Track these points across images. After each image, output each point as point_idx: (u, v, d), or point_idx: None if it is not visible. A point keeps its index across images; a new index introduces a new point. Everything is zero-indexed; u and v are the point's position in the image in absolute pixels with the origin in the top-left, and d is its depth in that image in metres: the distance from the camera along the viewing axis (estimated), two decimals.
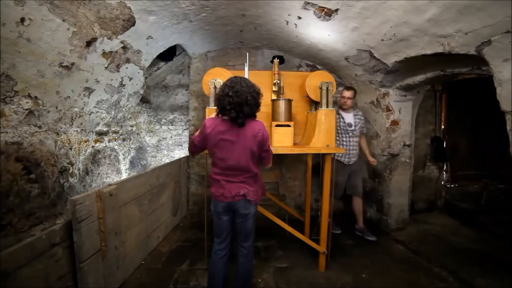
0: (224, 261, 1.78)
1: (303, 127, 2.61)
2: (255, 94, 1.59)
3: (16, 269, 1.34)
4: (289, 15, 2.49)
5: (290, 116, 2.39)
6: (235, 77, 1.64)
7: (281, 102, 2.38)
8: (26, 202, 1.83)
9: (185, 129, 4.11)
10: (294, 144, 2.39)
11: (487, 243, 2.80)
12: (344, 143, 2.90)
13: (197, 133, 1.73)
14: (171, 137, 4.02)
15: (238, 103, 1.53)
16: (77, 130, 2.36)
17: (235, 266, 1.79)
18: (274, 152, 2.26)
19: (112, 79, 2.53)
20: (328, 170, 2.25)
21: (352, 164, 2.94)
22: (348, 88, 2.93)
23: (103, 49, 2.19)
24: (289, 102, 2.39)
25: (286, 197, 3.56)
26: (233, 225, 1.78)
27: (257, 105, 1.61)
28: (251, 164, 1.64)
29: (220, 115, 1.62)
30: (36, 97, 1.84)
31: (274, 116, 2.42)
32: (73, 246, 1.65)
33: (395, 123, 3.08)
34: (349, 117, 2.91)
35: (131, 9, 2.06)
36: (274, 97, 2.54)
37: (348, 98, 2.85)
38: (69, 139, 2.26)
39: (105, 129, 2.80)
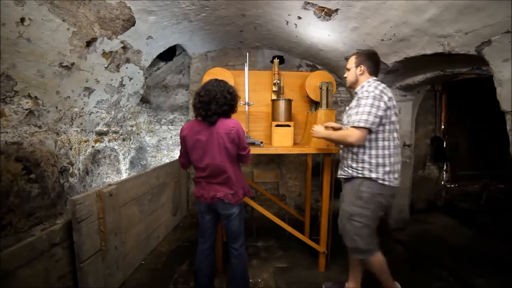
0: (209, 260, 1.81)
1: (303, 127, 2.60)
2: (226, 94, 1.61)
3: (16, 269, 1.34)
4: (289, 15, 2.49)
5: (290, 116, 2.40)
6: (211, 79, 1.69)
7: (281, 102, 2.38)
8: (26, 202, 1.83)
9: None
10: (294, 144, 2.40)
11: (487, 243, 2.80)
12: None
13: None
14: (171, 137, 4.01)
15: (206, 102, 1.58)
16: (77, 130, 2.36)
17: (229, 268, 1.81)
18: (274, 152, 2.27)
19: (112, 79, 2.53)
20: (328, 170, 2.25)
21: (343, 182, 1.85)
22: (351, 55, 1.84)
23: (103, 49, 2.18)
24: (289, 102, 2.39)
25: (286, 197, 3.56)
26: (220, 226, 1.81)
27: (227, 104, 1.62)
28: (228, 163, 1.63)
29: (197, 117, 1.67)
30: (36, 97, 1.84)
31: (274, 116, 2.42)
32: (73, 246, 1.65)
33: None
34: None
35: (131, 9, 2.06)
36: (274, 97, 2.54)
37: (346, 68, 1.86)
38: (69, 139, 2.26)
39: (105, 129, 2.80)
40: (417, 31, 1.95)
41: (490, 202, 3.63)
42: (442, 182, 3.82)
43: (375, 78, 1.74)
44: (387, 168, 1.62)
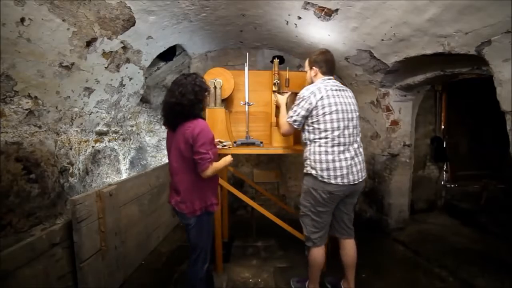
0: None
1: None
2: (182, 98, 1.54)
3: (16, 269, 1.35)
4: (289, 15, 2.49)
5: None
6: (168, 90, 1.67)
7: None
8: (26, 202, 1.83)
9: None
10: (295, 143, 2.39)
11: (487, 243, 2.80)
12: None
13: None
14: None
15: (167, 116, 1.63)
16: (77, 130, 2.36)
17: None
18: (274, 152, 2.26)
19: (112, 79, 2.53)
20: None
21: None
22: None
23: (103, 49, 2.18)
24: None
25: (286, 197, 3.56)
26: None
27: (183, 113, 1.53)
28: (182, 167, 1.53)
29: None
30: (36, 97, 1.84)
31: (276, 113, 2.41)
32: (73, 246, 1.65)
33: (395, 123, 3.08)
34: None
35: (131, 9, 2.06)
36: None
37: (304, 71, 2.02)
38: (69, 139, 2.26)
39: (105, 129, 2.80)
40: (417, 31, 1.95)
41: (490, 202, 3.63)
42: (442, 182, 3.82)
43: (328, 77, 1.83)
44: (323, 165, 1.69)
